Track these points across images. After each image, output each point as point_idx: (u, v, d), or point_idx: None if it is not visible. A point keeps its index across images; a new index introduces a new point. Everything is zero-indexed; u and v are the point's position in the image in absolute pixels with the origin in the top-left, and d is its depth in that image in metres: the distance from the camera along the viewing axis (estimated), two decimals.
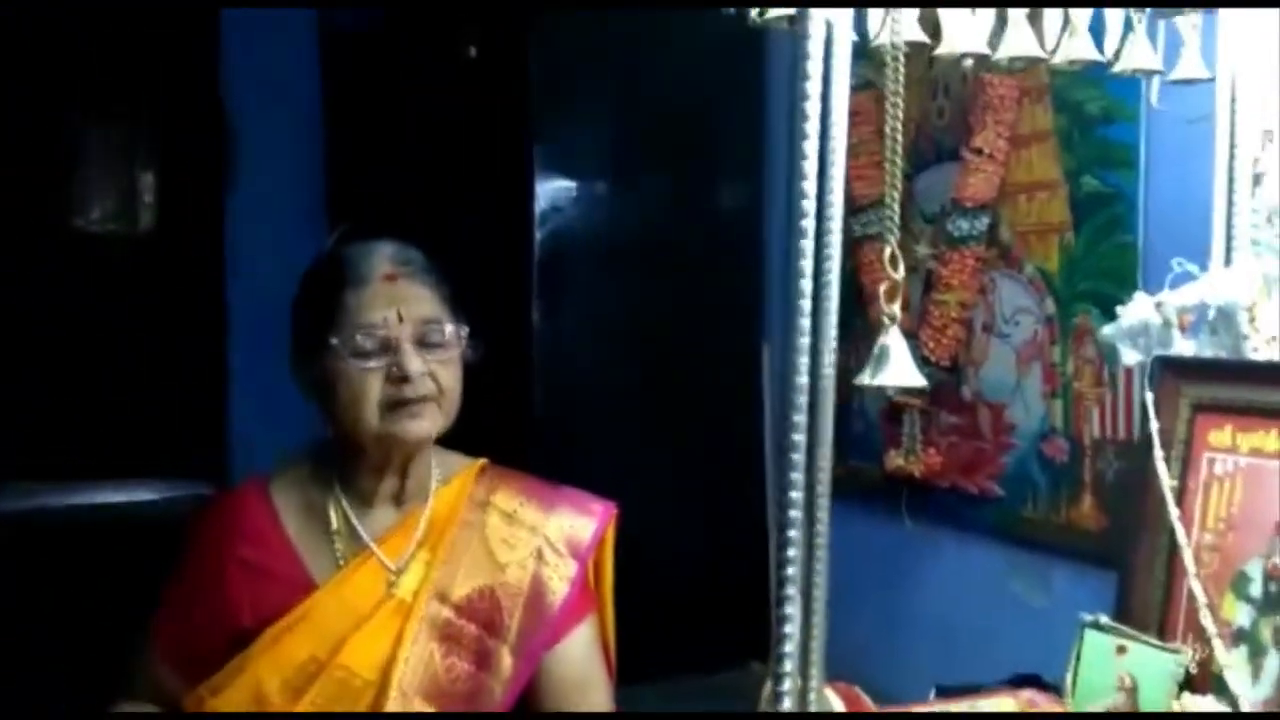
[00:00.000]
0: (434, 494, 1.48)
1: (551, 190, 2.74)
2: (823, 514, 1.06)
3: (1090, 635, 1.21)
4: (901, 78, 1.05)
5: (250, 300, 5.05)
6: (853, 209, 2.58)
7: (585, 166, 2.77)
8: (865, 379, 0.99)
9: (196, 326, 5.50)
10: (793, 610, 1.02)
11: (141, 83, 5.44)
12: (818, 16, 1.00)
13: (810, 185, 1.02)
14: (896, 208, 1.02)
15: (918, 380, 0.98)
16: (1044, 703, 1.40)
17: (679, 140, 2.87)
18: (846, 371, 2.73)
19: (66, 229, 5.70)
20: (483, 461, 1.56)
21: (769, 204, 3.05)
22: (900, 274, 0.99)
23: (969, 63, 1.25)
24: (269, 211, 5.01)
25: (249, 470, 4.79)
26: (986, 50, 1.26)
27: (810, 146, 1.01)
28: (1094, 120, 1.94)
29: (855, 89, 2.53)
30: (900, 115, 1.04)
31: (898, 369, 0.98)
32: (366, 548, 1.43)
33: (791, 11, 1.14)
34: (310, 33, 4.96)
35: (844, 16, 1.06)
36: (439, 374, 1.38)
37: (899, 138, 1.04)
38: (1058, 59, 1.34)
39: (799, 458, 0.99)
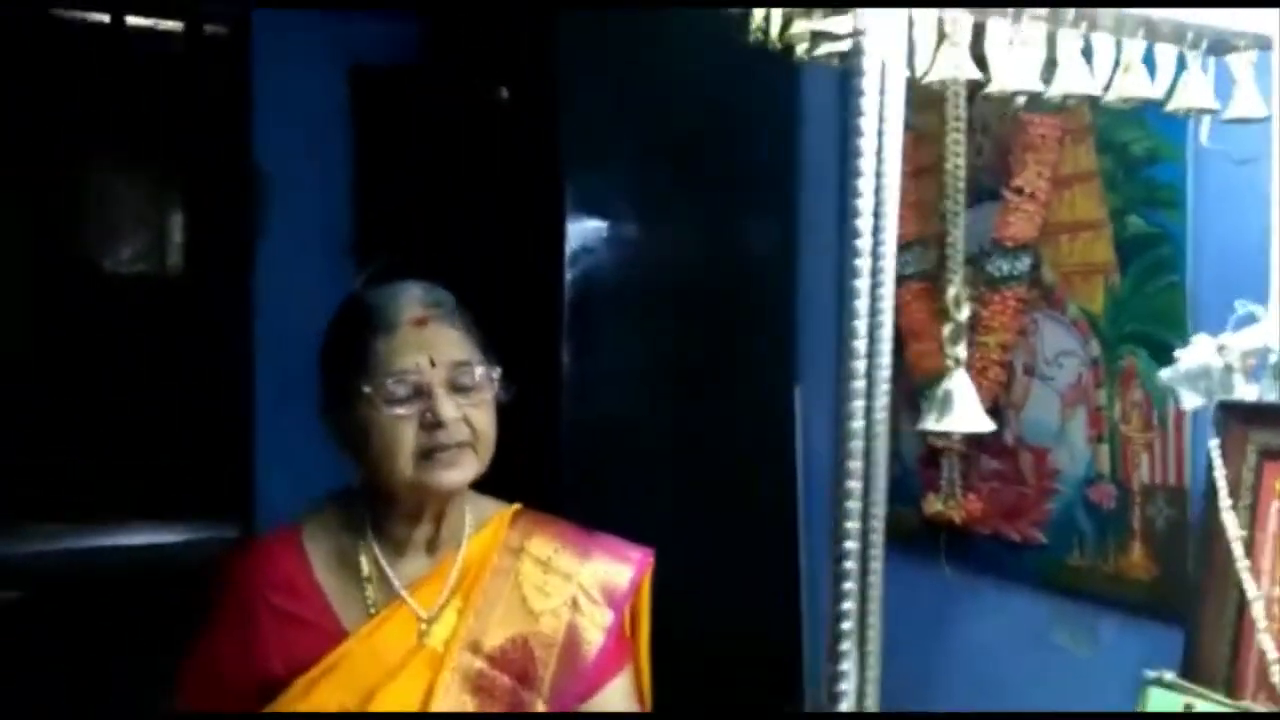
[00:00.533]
0: (467, 540, 1.45)
1: (583, 230, 2.72)
2: (876, 563, 1.02)
3: (1155, 693, 1.16)
4: (963, 115, 1.02)
5: (278, 344, 5.04)
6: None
7: (616, 207, 2.75)
8: (929, 424, 0.95)
9: (223, 370, 5.51)
10: (848, 666, 0.97)
11: (170, 124, 5.49)
12: (873, 54, 0.97)
13: (865, 224, 0.99)
14: (960, 248, 0.98)
15: (986, 425, 0.94)
16: None
17: (711, 180, 2.84)
18: None
19: (94, 270, 5.74)
20: (516, 507, 1.52)
21: (801, 245, 3.02)
22: (964, 315, 0.95)
23: (1021, 100, 1.22)
24: (297, 254, 5.02)
25: (273, 514, 4.80)
26: (1040, 88, 1.23)
27: (865, 185, 0.98)
28: (1139, 160, 1.91)
29: None
30: (962, 153, 1.00)
31: (964, 413, 0.93)
32: (398, 596, 1.39)
33: (842, 48, 1.11)
34: (339, 73, 4.99)
35: (897, 54, 1.03)
36: (473, 418, 1.34)
37: (961, 175, 1.00)
38: (1110, 96, 1.30)
39: (854, 505, 0.95)
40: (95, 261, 5.74)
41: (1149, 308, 1.87)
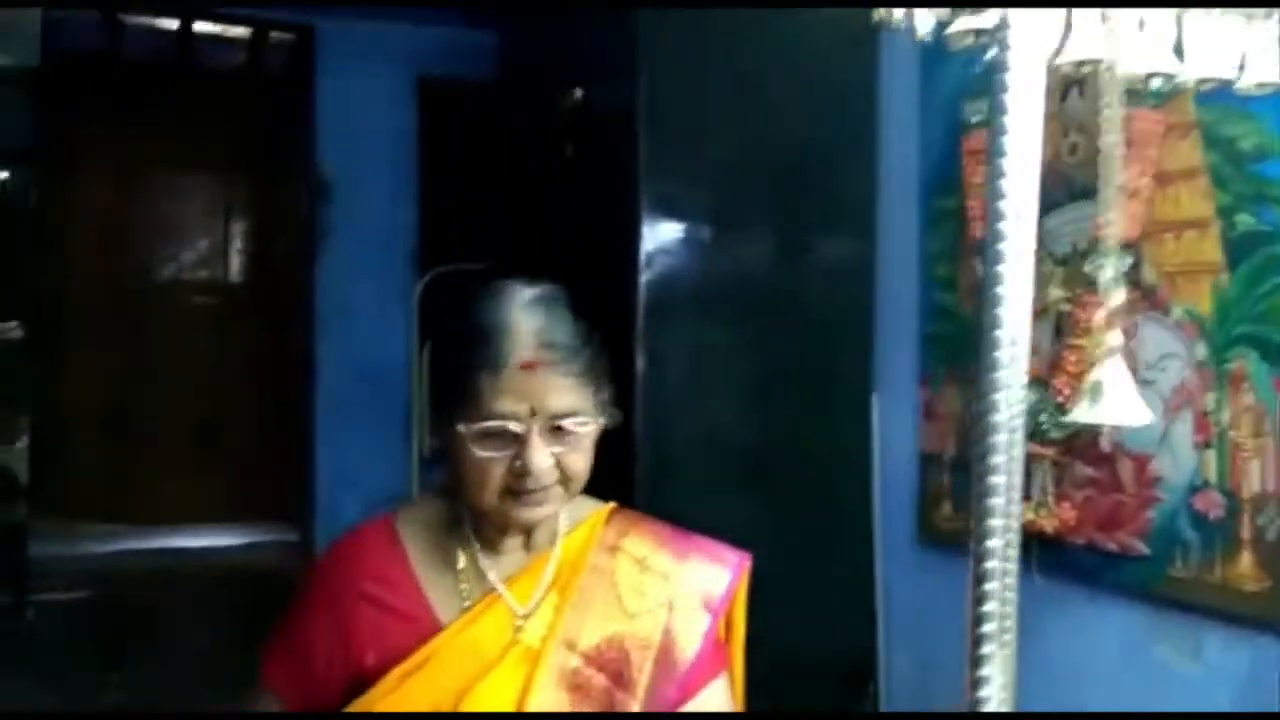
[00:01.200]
0: (563, 537, 1.40)
1: (658, 233, 2.69)
2: (1013, 564, 0.96)
3: None
4: (1118, 94, 0.96)
5: (339, 350, 5.07)
6: (976, 251, 2.49)
7: (694, 211, 2.71)
8: (1079, 415, 0.89)
9: (285, 376, 5.54)
10: (990, 670, 0.91)
11: (236, 131, 5.54)
12: (1020, 39, 0.92)
13: (1009, 225, 0.93)
14: (1116, 230, 0.92)
15: (1145, 418, 0.88)
16: None
17: (791, 186, 2.80)
18: (964, 419, 2.64)
19: (161, 275, 5.80)
20: (612, 505, 1.48)
21: (880, 253, 2.97)
22: (1119, 300, 0.89)
23: (1155, 84, 1.16)
24: (360, 261, 5.04)
25: (332, 517, 4.81)
26: (1175, 69, 1.16)
27: (1008, 186, 0.92)
28: (1248, 156, 1.84)
29: (978, 126, 2.46)
30: (1116, 131, 0.95)
31: (1118, 405, 0.87)
32: (494, 590, 1.35)
33: (987, 24, 1.05)
34: (407, 82, 5.01)
35: (1037, 43, 0.98)
36: (566, 462, 1.28)
37: (1115, 154, 0.94)
38: (1245, 82, 1.23)
39: (998, 501, 0.89)
40: (162, 267, 5.80)
41: (1260, 308, 1.80)
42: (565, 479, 1.28)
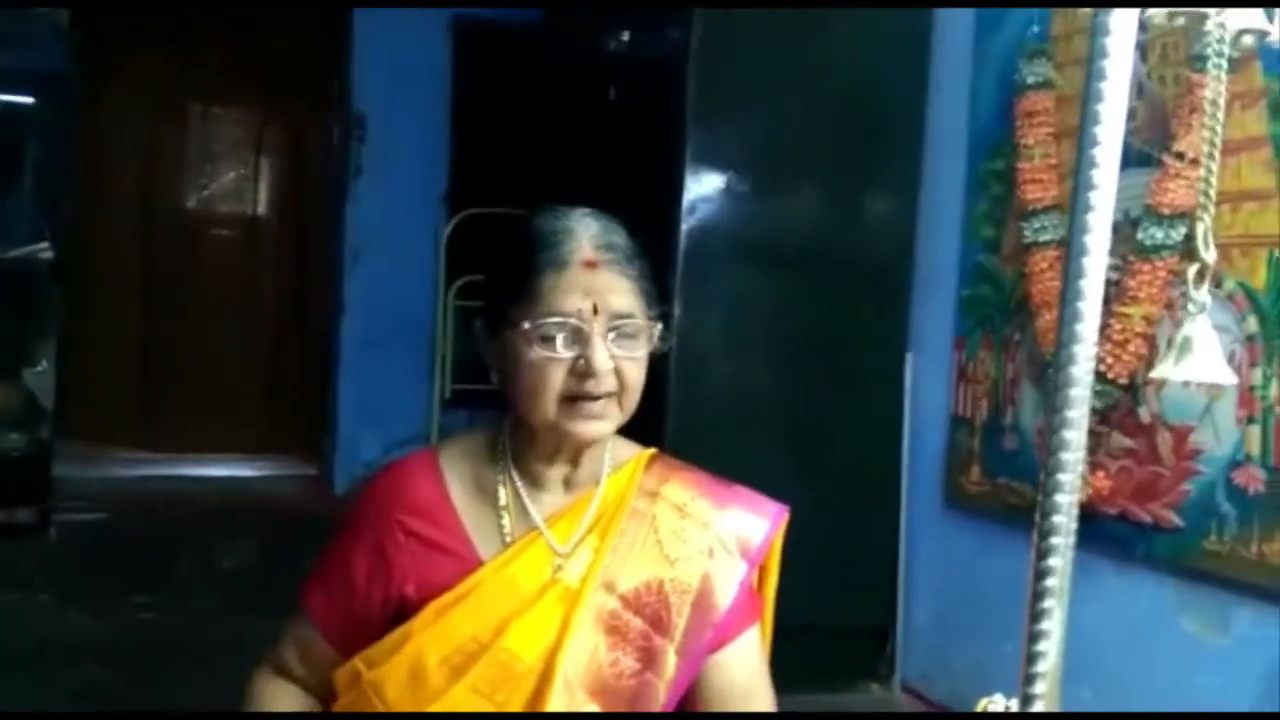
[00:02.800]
0: (605, 479, 1.39)
1: (702, 182, 2.66)
2: (1072, 537, 0.94)
3: None
4: (1225, 51, 0.93)
5: (366, 288, 5.07)
6: (1024, 214, 2.46)
7: (739, 161, 2.69)
8: (1164, 371, 0.87)
9: (310, 311, 5.55)
10: (1046, 645, 0.90)
11: (271, 65, 5.51)
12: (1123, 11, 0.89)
13: (1101, 195, 0.90)
14: (1214, 183, 0.89)
15: (1229, 378, 0.86)
16: None
17: (837, 140, 2.77)
18: (998, 383, 2.62)
19: (191, 207, 5.80)
20: (653, 451, 1.47)
21: (922, 216, 2.94)
22: (1212, 256, 0.87)
23: (1249, 40, 1.12)
24: (392, 201, 5.03)
25: (351, 453, 4.82)
26: (1269, 27, 1.13)
27: (1103, 154, 0.90)
28: None
29: (1034, 87, 2.42)
30: (1222, 90, 0.92)
31: (1204, 362, 0.86)
32: (535, 527, 1.35)
33: None
34: (442, 21, 4.97)
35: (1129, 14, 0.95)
36: (625, 370, 1.27)
37: (1221, 113, 0.91)
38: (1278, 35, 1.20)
39: (1066, 477, 0.88)
40: (192, 197, 5.79)
41: None
42: (622, 389, 1.27)
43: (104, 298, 5.41)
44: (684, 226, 2.64)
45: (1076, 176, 0.95)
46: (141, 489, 5.02)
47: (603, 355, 1.23)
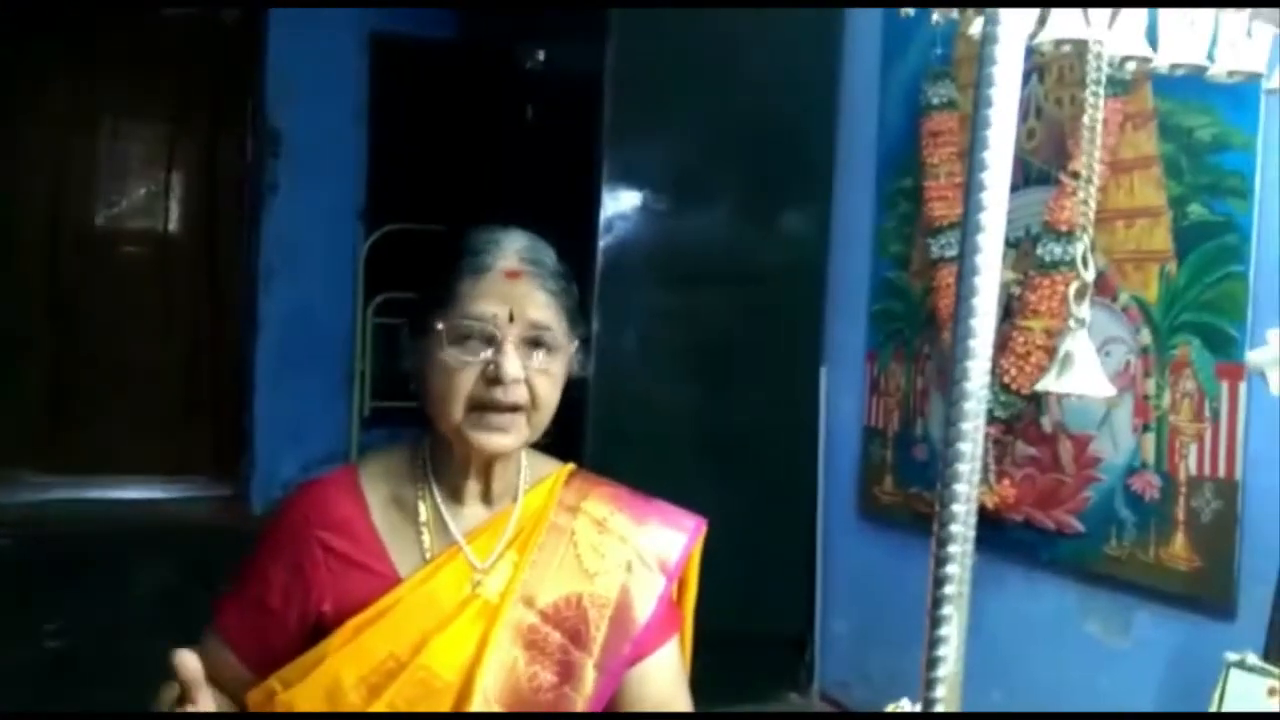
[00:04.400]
0: (523, 495, 1.41)
1: (619, 199, 2.69)
2: (970, 545, 0.98)
3: (1236, 675, 1.13)
4: (1104, 71, 0.98)
5: (282, 306, 5.00)
6: (931, 230, 2.53)
7: (654, 179, 2.72)
8: (1048, 384, 0.91)
9: (226, 330, 5.45)
10: (945, 650, 0.93)
11: (184, 79, 5.41)
12: (1007, 15, 0.93)
13: (991, 199, 0.94)
14: (1091, 205, 0.94)
15: (1107, 390, 0.91)
16: None
17: (751, 158, 2.82)
18: (908, 395, 2.68)
19: (101, 226, 5.67)
20: (571, 466, 1.48)
21: (835, 231, 3.00)
22: (1091, 274, 0.92)
23: (1131, 67, 1.18)
24: (307, 218, 4.97)
25: (269, 474, 4.73)
26: (1149, 53, 1.19)
27: (991, 177, 0.93)
28: (1204, 147, 1.89)
29: (938, 108, 2.50)
30: (1100, 109, 0.97)
31: (1084, 376, 0.90)
32: (454, 543, 1.35)
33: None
34: (358, 36, 4.93)
35: (1020, 21, 0.99)
36: (536, 384, 1.29)
37: (1098, 133, 0.96)
38: (1217, 69, 1.27)
39: (962, 487, 0.91)
40: (103, 218, 5.66)
41: (1207, 298, 1.86)
42: (533, 404, 1.28)
43: (6, 314, 5.26)
44: (601, 244, 2.67)
45: (966, 197, 0.99)
46: (51, 513, 4.89)
47: (513, 363, 1.25)
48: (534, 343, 1.28)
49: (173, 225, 5.76)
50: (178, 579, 3.96)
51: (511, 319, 1.26)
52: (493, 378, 1.26)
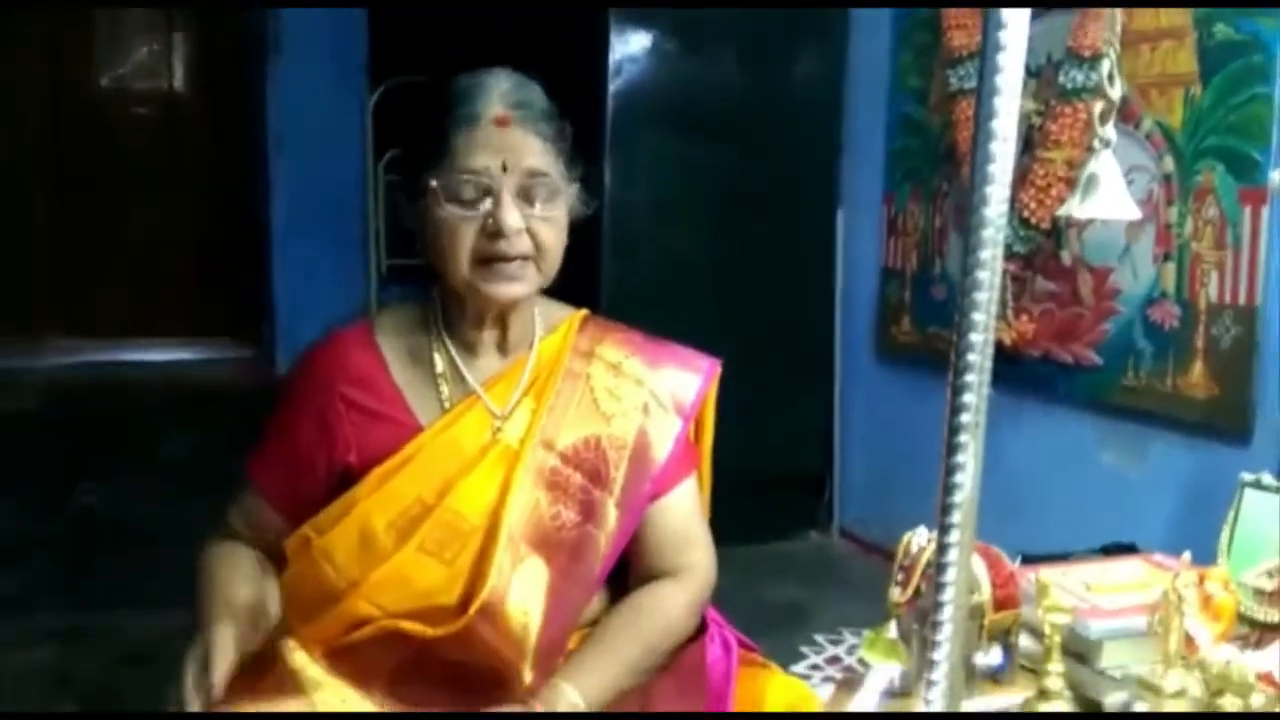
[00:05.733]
0: (538, 342, 1.41)
1: (627, 42, 2.61)
2: (986, 389, 0.97)
3: (1250, 495, 1.14)
4: None
5: (292, 165, 4.94)
6: (950, 61, 2.46)
7: (663, 17, 2.63)
8: (1070, 209, 0.90)
9: (239, 191, 5.42)
10: (962, 477, 0.94)
11: None
12: None
13: (1012, 18, 0.90)
14: (1118, 20, 0.90)
15: (1133, 212, 0.89)
16: (1172, 565, 1.34)
17: None
18: (926, 235, 2.66)
19: (108, 89, 5.59)
20: (584, 312, 1.48)
21: (850, 71, 2.92)
22: (1118, 92, 0.89)
23: None
24: (312, 75, 4.87)
25: (289, 334, 4.75)
26: None
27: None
28: None
29: None
30: None
31: (1109, 198, 0.88)
32: (472, 392, 1.36)
33: None
34: None
35: None
36: (539, 231, 1.27)
37: None
38: None
39: (979, 316, 0.90)
40: (110, 80, 5.57)
41: (1232, 119, 1.81)
42: (538, 252, 1.27)
43: (15, 181, 5.24)
44: (610, 88, 2.61)
45: (985, 18, 0.95)
46: (78, 376, 4.95)
47: (513, 215, 1.23)
48: (532, 190, 1.26)
49: (178, 84, 5.67)
50: (203, 440, 4.02)
51: (506, 169, 1.23)
52: (494, 231, 1.24)
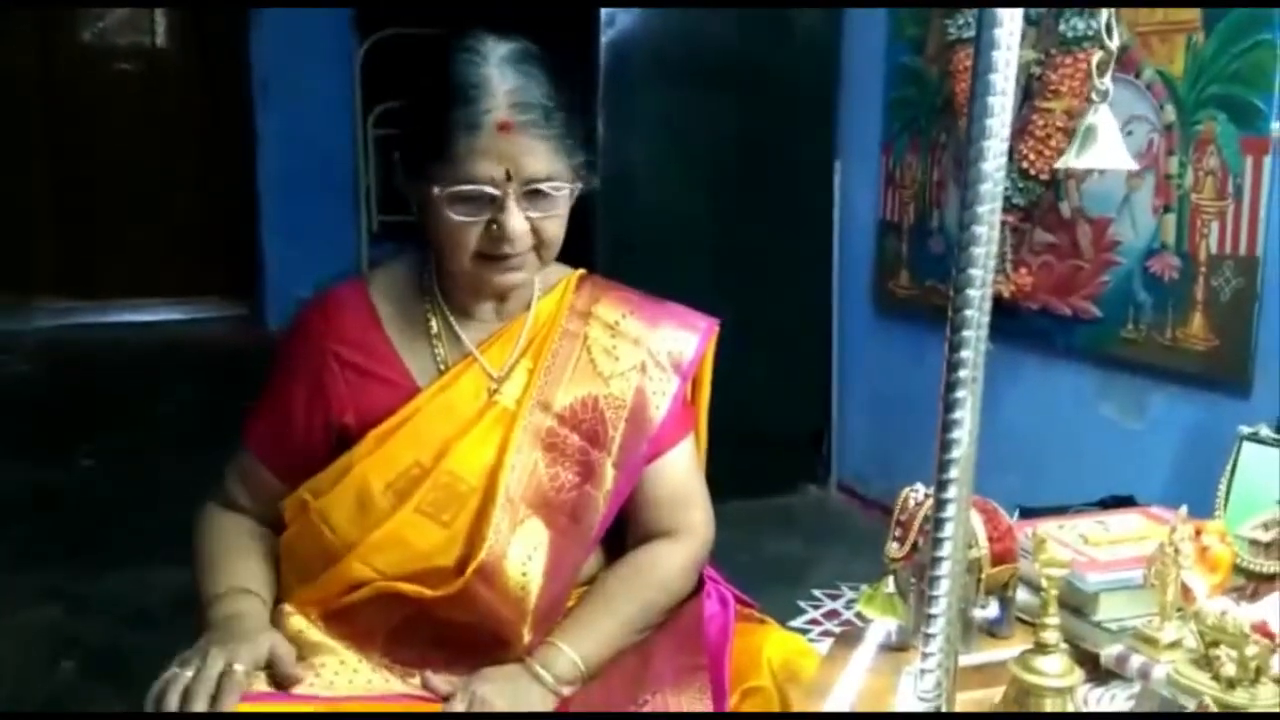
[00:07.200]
0: (535, 303, 1.39)
1: None
2: (984, 343, 0.96)
3: (1249, 448, 1.14)
4: None
5: (280, 121, 4.89)
6: (947, 9, 2.42)
7: None
8: (1068, 161, 0.88)
9: (226, 148, 5.37)
10: (960, 434, 0.93)
11: None
12: None
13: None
14: None
15: (1129, 164, 0.87)
16: (1170, 518, 1.34)
17: None
18: (924, 187, 2.63)
19: (94, 47, 5.53)
20: (581, 271, 1.46)
21: (847, 20, 2.88)
22: (1115, 43, 0.87)
23: None
24: (298, 28, 4.81)
25: (280, 292, 4.74)
26: None
27: None
28: None
29: None
30: None
31: (1106, 150, 0.87)
32: (469, 354, 1.35)
33: None
34: None
35: None
36: (542, 228, 1.25)
37: None
38: None
39: (977, 271, 0.88)
40: (95, 38, 5.51)
41: (1234, 67, 1.78)
42: (540, 244, 1.26)
43: (5, 141, 5.19)
44: (603, 40, 2.57)
45: None
46: (62, 338, 4.94)
47: (516, 220, 1.21)
48: (536, 193, 1.23)
49: (160, 40, 5.61)
50: (198, 398, 4.02)
51: (510, 177, 1.21)
52: (497, 235, 1.23)
